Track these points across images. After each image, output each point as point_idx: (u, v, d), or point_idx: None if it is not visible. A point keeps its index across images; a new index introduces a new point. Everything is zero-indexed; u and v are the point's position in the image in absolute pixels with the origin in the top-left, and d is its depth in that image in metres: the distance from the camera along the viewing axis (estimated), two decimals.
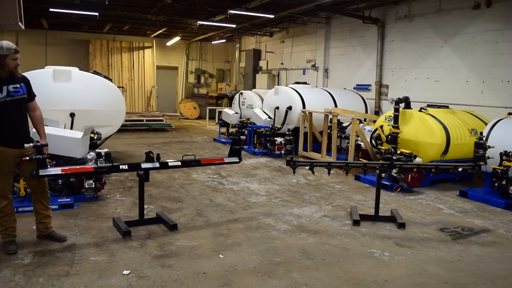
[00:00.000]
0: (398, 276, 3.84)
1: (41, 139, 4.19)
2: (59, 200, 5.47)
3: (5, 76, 3.95)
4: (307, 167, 5.35)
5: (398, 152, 7.18)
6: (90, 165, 5.52)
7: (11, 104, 3.99)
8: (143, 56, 18.01)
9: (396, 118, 7.43)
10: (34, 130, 5.01)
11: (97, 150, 6.31)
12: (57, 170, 4.35)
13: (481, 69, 8.62)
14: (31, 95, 4.23)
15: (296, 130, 9.94)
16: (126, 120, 12.09)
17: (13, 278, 3.53)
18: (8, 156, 4.03)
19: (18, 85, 4.04)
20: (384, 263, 4.12)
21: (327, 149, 9.13)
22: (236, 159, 5.26)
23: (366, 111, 10.81)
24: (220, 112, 13.85)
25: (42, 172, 4.10)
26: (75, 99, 7.41)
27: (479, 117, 8.04)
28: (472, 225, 5.40)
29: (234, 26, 14.13)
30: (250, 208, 5.80)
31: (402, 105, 7.63)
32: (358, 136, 8.24)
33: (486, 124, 7.43)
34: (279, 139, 9.69)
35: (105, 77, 8.34)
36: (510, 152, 6.21)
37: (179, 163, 4.99)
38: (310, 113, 9.55)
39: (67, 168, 4.50)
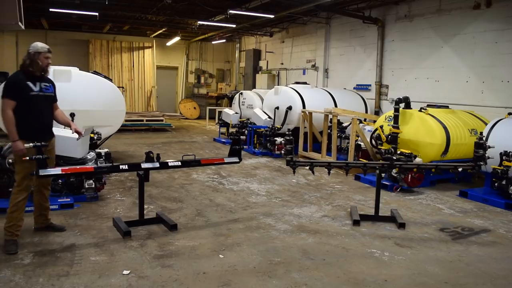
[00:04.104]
0: (398, 276, 3.84)
1: (73, 125, 4.60)
2: (59, 200, 5.47)
3: (38, 74, 4.26)
4: (307, 167, 5.34)
5: (398, 152, 7.18)
6: (90, 165, 5.52)
7: (42, 99, 4.31)
8: (143, 56, 18.01)
9: (396, 118, 7.43)
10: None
11: (97, 150, 6.31)
12: (57, 170, 4.34)
13: (481, 69, 8.62)
14: (55, 97, 4.59)
15: (296, 130, 9.94)
16: (126, 120, 12.08)
17: (13, 278, 3.53)
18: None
19: (48, 84, 4.40)
20: (384, 263, 4.12)
21: (327, 149, 9.13)
22: (236, 159, 5.26)
23: (366, 111, 10.81)
24: (220, 112, 13.85)
25: (42, 172, 4.10)
26: (75, 99, 7.40)
27: (479, 117, 8.04)
28: (472, 225, 5.40)
29: (234, 26, 14.13)
30: (250, 208, 5.80)
31: (402, 105, 7.63)
32: (358, 136, 8.24)
33: (486, 124, 7.43)
34: (279, 139, 9.69)
35: (105, 77, 8.34)
36: (510, 152, 6.21)
37: (179, 163, 4.99)
38: (310, 113, 9.55)
39: (67, 168, 4.50)
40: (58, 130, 6.01)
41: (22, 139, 4.09)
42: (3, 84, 4.20)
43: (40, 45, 4.25)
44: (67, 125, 4.66)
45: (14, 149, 4.08)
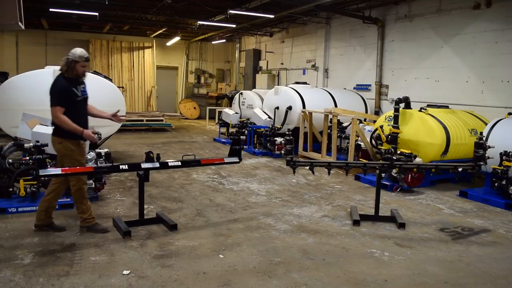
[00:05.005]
0: (398, 276, 3.84)
1: (107, 113, 4.89)
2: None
3: (73, 78, 4.47)
4: (307, 167, 5.34)
5: (398, 152, 7.18)
6: (90, 165, 5.51)
7: (83, 102, 4.64)
8: (143, 56, 18.01)
9: (396, 118, 7.43)
10: (34, 130, 5.07)
11: (97, 150, 6.30)
12: (57, 170, 4.34)
13: (481, 69, 8.62)
14: None
15: (296, 130, 9.94)
16: (126, 120, 12.08)
17: (13, 278, 3.53)
18: (83, 149, 4.61)
19: (84, 85, 4.67)
20: (384, 263, 4.12)
21: (327, 149, 9.13)
22: (236, 159, 5.26)
23: (366, 111, 10.81)
24: (220, 112, 13.85)
25: (42, 172, 4.10)
26: None
27: (479, 117, 8.04)
28: (472, 225, 5.40)
29: (234, 26, 14.13)
30: (250, 208, 5.80)
31: (402, 105, 7.63)
32: (358, 136, 8.24)
33: (486, 124, 7.43)
34: (279, 139, 9.69)
35: (105, 77, 8.34)
36: (510, 152, 6.21)
37: (179, 163, 4.99)
38: (310, 113, 9.55)
39: (67, 168, 4.49)
40: None
41: (69, 138, 4.41)
42: (50, 90, 4.42)
43: (78, 53, 4.41)
44: (101, 116, 4.91)
45: (87, 137, 4.42)
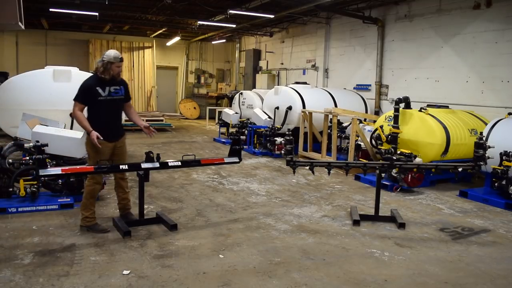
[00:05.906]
0: (398, 276, 3.84)
1: (142, 123, 5.03)
2: (59, 200, 5.48)
3: (108, 79, 4.60)
4: (307, 167, 5.34)
5: (398, 152, 7.18)
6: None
7: (110, 103, 4.67)
8: (143, 56, 18.00)
9: (396, 118, 7.43)
10: (35, 130, 5.07)
11: None
12: (57, 170, 4.35)
13: (481, 69, 8.62)
14: (128, 97, 5.00)
15: (296, 130, 9.94)
16: (126, 120, 12.03)
17: (13, 278, 3.53)
18: (105, 149, 4.61)
19: (118, 87, 4.74)
20: (384, 263, 4.12)
21: (327, 149, 9.13)
22: (236, 159, 5.26)
23: (366, 111, 10.81)
24: (220, 112, 13.85)
25: (42, 172, 4.09)
26: None
27: (479, 117, 8.04)
28: (472, 225, 5.40)
29: (234, 26, 14.13)
30: (250, 208, 5.80)
31: (402, 105, 7.63)
32: (358, 136, 8.24)
33: (486, 124, 7.43)
34: (279, 139, 9.68)
35: None
36: (510, 152, 6.21)
37: (179, 163, 4.99)
38: (310, 113, 9.54)
39: (67, 168, 4.50)
40: (58, 130, 6.04)
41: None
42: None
43: (113, 55, 4.56)
44: (137, 123, 5.05)
45: (91, 139, 4.46)
